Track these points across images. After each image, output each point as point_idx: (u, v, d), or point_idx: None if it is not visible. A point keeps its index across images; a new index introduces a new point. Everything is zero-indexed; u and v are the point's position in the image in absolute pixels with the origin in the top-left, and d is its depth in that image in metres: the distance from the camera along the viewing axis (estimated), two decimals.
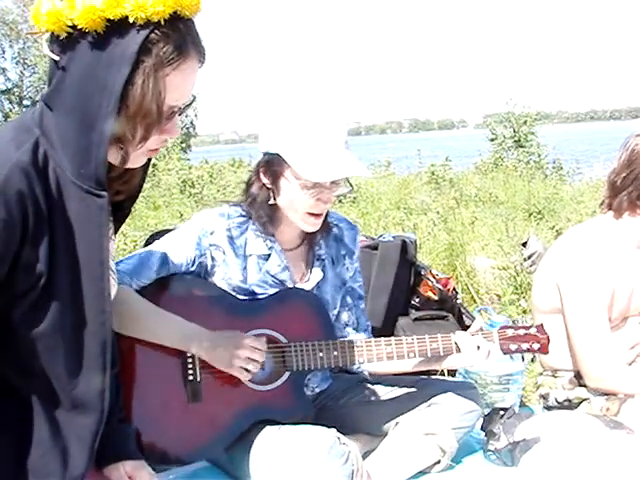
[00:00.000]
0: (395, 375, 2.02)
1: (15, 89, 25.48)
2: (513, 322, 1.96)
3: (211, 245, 1.81)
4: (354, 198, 8.64)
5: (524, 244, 4.46)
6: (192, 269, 1.80)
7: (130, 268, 1.72)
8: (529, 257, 4.21)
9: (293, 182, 1.77)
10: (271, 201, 1.82)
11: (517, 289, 3.88)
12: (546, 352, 1.94)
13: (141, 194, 1.37)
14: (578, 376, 2.19)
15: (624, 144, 2.13)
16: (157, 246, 1.80)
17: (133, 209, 1.40)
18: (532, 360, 2.06)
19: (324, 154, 1.73)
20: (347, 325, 2.02)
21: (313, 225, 1.84)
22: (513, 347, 1.90)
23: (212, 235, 1.81)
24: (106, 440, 1.33)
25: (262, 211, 1.83)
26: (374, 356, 1.85)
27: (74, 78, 1.11)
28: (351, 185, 1.87)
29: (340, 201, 8.51)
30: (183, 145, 19.77)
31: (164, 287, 1.77)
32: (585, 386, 2.16)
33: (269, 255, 1.86)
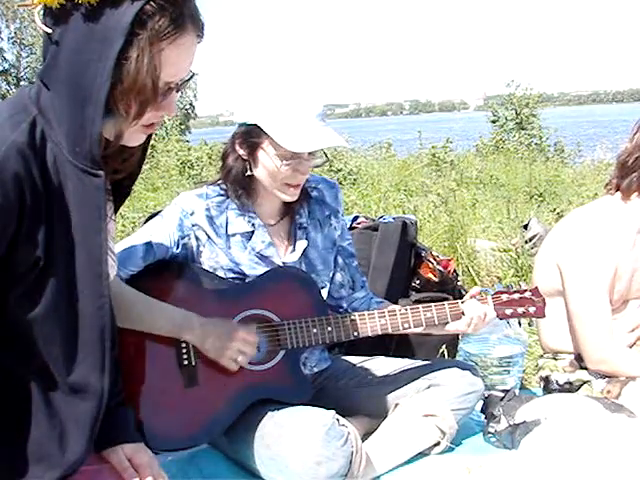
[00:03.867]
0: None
1: (12, 70, 25.30)
2: (507, 288, 1.95)
3: (193, 225, 1.81)
4: (354, 180, 8.62)
5: (525, 226, 4.45)
6: (177, 252, 1.79)
7: (117, 259, 1.71)
8: (530, 239, 4.21)
9: (271, 153, 1.77)
10: (247, 172, 1.82)
11: (518, 271, 3.88)
12: (542, 315, 1.93)
13: (140, 176, 1.35)
14: (579, 358, 2.19)
15: (638, 124, 2.11)
16: (141, 233, 1.80)
17: (132, 190, 1.37)
18: (529, 324, 2.07)
19: (303, 125, 1.73)
20: (342, 285, 2.02)
21: (291, 195, 1.84)
22: (508, 311, 1.90)
23: (192, 216, 1.81)
24: (105, 423, 1.31)
25: (238, 183, 1.83)
26: (368, 329, 1.85)
27: (67, 52, 1.09)
28: (327, 156, 1.88)
29: (340, 182, 8.50)
30: (182, 127, 19.71)
31: (154, 275, 1.76)
32: (586, 368, 2.16)
33: (252, 232, 1.86)
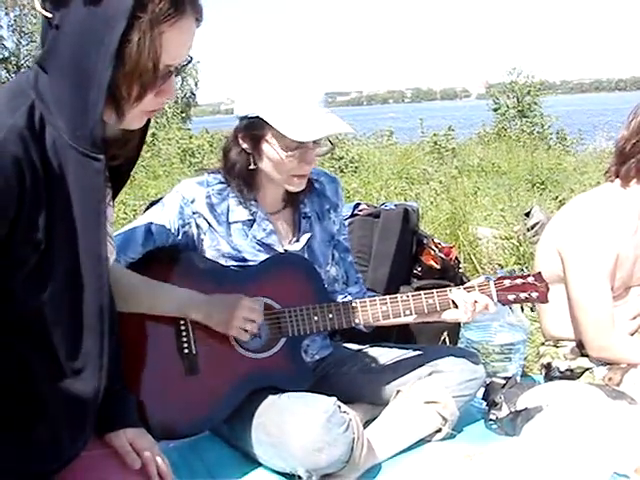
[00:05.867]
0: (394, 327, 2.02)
1: (12, 58, 25.21)
2: (510, 273, 1.94)
3: (194, 213, 1.80)
4: (356, 167, 8.61)
5: (527, 214, 4.45)
6: (178, 239, 1.79)
7: (116, 245, 1.70)
8: (532, 227, 4.20)
9: (275, 144, 1.75)
10: (251, 166, 1.80)
11: (520, 259, 3.88)
12: (545, 300, 1.92)
13: (141, 164, 1.36)
14: (580, 346, 2.19)
15: (634, 111, 2.11)
16: (141, 220, 1.79)
17: (133, 178, 1.38)
18: (532, 309, 2.06)
19: (306, 114, 1.71)
20: (336, 280, 2.02)
21: (298, 186, 1.83)
22: (511, 297, 1.89)
23: (193, 203, 1.79)
24: (107, 408, 1.33)
25: (241, 177, 1.81)
26: (370, 316, 1.84)
27: (68, 36, 1.08)
28: (332, 143, 1.86)
29: (342, 170, 8.48)
30: (183, 115, 19.66)
31: (153, 262, 1.76)
32: (587, 356, 2.16)
33: (253, 220, 1.85)
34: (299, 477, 1.69)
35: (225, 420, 1.79)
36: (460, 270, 2.89)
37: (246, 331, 1.71)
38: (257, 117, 1.74)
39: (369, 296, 1.98)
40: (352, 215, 2.67)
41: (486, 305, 1.84)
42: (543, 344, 2.32)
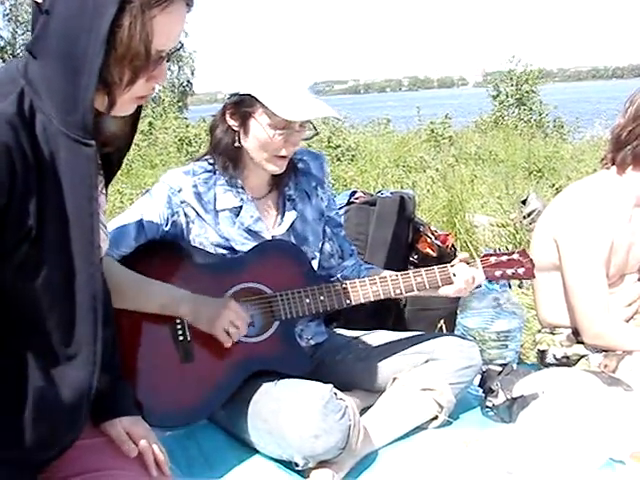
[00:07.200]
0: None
1: (8, 47, 25.12)
2: (495, 250, 1.98)
3: (182, 202, 1.80)
4: (352, 156, 8.59)
5: (524, 202, 4.45)
6: (167, 229, 1.79)
7: (108, 239, 1.70)
8: (529, 215, 4.20)
9: (264, 122, 1.77)
10: (237, 143, 1.82)
11: (516, 246, 3.88)
12: (531, 276, 1.95)
13: (138, 153, 1.35)
14: (576, 333, 2.19)
15: (630, 98, 2.11)
16: (130, 212, 1.80)
17: (130, 167, 1.37)
18: (519, 286, 2.09)
19: (297, 96, 1.74)
20: (332, 255, 2.03)
21: (280, 167, 1.84)
22: (498, 273, 1.92)
23: (180, 193, 1.80)
24: (103, 397, 1.33)
25: (226, 154, 1.83)
26: (360, 296, 1.86)
27: (59, 21, 1.08)
28: (315, 129, 1.89)
29: (339, 159, 8.46)
30: (180, 104, 19.60)
31: (145, 253, 1.76)
32: (583, 343, 2.17)
33: (240, 207, 1.86)
34: (295, 464, 1.70)
35: (222, 407, 1.79)
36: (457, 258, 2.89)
37: (228, 335, 1.71)
38: (248, 95, 1.77)
39: (365, 268, 2.04)
40: (348, 203, 2.66)
41: (473, 278, 1.88)
42: (539, 331, 2.32)
